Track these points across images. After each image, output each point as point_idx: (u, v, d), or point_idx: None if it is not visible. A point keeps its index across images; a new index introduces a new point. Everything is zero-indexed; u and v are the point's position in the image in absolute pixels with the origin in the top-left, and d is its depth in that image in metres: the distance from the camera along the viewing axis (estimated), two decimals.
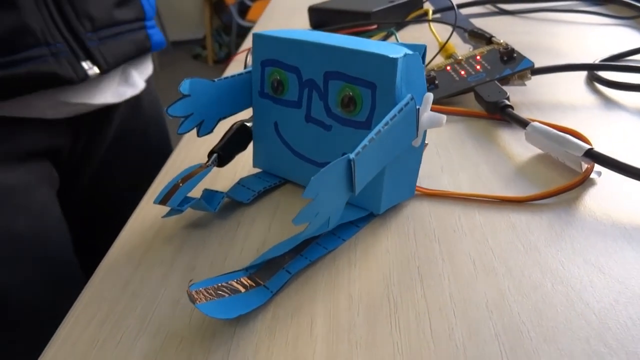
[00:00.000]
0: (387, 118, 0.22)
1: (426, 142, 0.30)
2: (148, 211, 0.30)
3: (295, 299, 0.23)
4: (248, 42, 0.64)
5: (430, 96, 0.25)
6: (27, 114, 0.46)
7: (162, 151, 0.64)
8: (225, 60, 3.18)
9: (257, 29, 0.72)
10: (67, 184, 0.54)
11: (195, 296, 0.21)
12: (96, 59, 0.47)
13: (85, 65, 0.46)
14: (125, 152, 0.58)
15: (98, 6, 0.48)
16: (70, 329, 0.22)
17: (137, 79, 0.56)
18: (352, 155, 0.20)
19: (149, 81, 0.60)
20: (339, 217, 0.23)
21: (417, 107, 0.24)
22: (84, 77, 0.46)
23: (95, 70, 0.47)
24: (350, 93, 0.25)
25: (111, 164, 0.57)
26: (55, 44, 0.44)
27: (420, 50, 0.26)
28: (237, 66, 0.55)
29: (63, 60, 0.44)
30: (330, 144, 0.27)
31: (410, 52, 0.24)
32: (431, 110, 0.30)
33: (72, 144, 0.52)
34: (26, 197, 0.47)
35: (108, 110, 0.54)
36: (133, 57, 0.53)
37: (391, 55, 0.24)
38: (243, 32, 3.02)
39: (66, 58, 0.45)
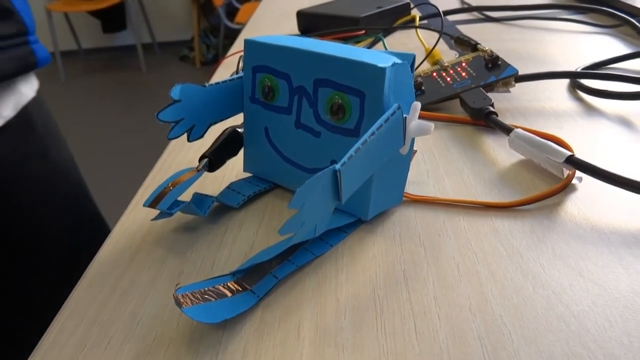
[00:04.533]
0: (374, 128, 0.23)
1: (415, 149, 0.30)
2: (137, 214, 0.30)
3: (283, 303, 0.23)
4: (237, 45, 0.65)
5: (418, 105, 0.25)
6: None
7: (68, 177, 0.60)
8: (212, 62, 3.17)
9: (246, 32, 0.72)
10: None
11: (182, 300, 0.21)
12: None
13: None
14: (20, 180, 0.53)
15: None
16: (57, 332, 0.22)
17: (2, 109, 0.51)
18: (337, 166, 0.21)
19: (36, 103, 0.56)
20: (326, 225, 0.23)
21: (405, 115, 0.25)
22: None
23: None
24: (339, 101, 0.26)
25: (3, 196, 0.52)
26: None
27: (409, 59, 0.27)
28: (226, 69, 0.55)
29: None
30: (320, 151, 0.28)
31: (399, 61, 0.25)
32: (418, 117, 0.31)
33: None
34: None
35: None
36: (16, 73, 0.50)
37: (380, 65, 0.24)
38: (231, 34, 3.01)
39: None
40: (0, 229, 0.53)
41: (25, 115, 0.54)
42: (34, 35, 0.53)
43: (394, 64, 0.24)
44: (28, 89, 0.55)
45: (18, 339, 0.57)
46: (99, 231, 0.63)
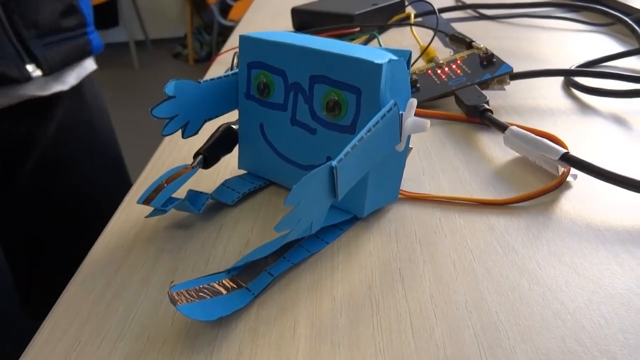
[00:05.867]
0: (370, 124, 0.23)
1: (410, 146, 0.30)
2: (130, 211, 0.30)
3: (279, 301, 0.23)
4: (230, 42, 0.64)
5: (414, 102, 0.25)
6: None
7: (109, 147, 0.68)
8: (206, 59, 3.16)
9: (240, 28, 0.72)
10: (5, 177, 0.57)
11: (177, 298, 0.21)
12: (40, 63, 0.53)
13: (30, 67, 0.52)
14: (70, 144, 0.62)
15: (45, 16, 0.53)
16: (50, 330, 0.22)
17: (68, 77, 0.60)
18: (334, 163, 0.21)
19: (89, 78, 0.65)
20: (322, 222, 0.23)
21: (401, 112, 0.24)
22: (28, 78, 0.51)
23: (38, 72, 0.53)
24: (335, 97, 0.26)
25: (54, 157, 0.60)
26: (4, 48, 0.49)
27: (405, 55, 0.26)
28: (219, 66, 0.55)
29: (10, 63, 0.49)
30: (315, 147, 0.28)
31: (395, 57, 0.25)
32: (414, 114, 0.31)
33: (11, 132, 0.56)
34: None
35: (48, 100, 0.57)
36: (75, 60, 0.59)
37: (376, 61, 0.24)
38: (224, 31, 3.00)
39: (13, 61, 0.50)
40: (47, 187, 0.61)
41: (79, 87, 0.62)
42: (92, 25, 0.62)
43: (390, 61, 0.24)
44: (89, 63, 0.64)
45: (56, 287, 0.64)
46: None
